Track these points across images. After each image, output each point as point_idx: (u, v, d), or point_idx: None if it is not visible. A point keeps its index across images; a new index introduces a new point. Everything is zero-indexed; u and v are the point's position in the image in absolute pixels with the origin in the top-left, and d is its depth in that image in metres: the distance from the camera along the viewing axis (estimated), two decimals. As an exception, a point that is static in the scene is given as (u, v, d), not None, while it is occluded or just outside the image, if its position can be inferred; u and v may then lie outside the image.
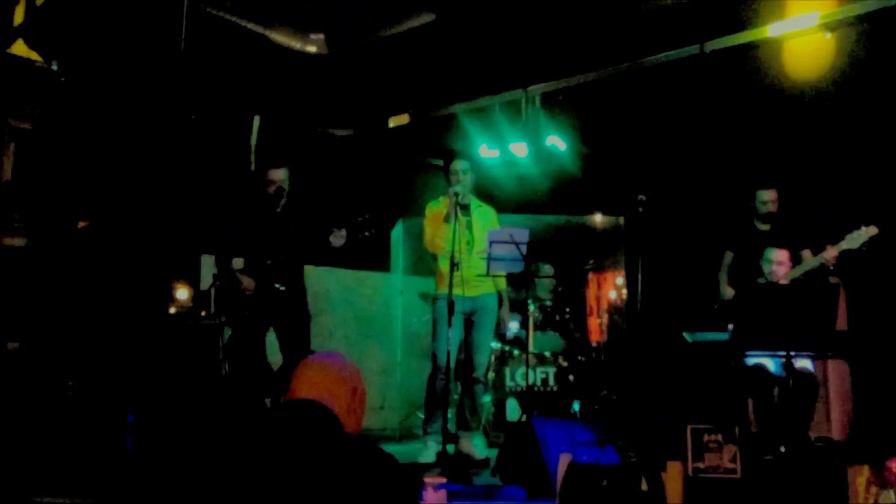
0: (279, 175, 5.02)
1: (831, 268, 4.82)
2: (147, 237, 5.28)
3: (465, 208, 5.26)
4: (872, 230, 4.68)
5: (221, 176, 6.07)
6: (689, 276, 5.93)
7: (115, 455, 3.78)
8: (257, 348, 4.94)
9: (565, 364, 6.26)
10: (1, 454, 3.66)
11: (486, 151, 7.20)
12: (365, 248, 5.13)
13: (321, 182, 6.07)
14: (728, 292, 5.34)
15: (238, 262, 4.90)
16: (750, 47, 5.82)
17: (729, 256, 5.43)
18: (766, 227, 5.32)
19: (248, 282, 4.83)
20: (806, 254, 5.14)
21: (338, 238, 4.85)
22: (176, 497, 1.76)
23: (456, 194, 5.10)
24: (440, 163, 6.21)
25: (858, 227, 4.70)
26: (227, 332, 4.86)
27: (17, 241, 4.89)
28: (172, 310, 4.85)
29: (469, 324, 5.29)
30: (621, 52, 6.23)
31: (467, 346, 5.31)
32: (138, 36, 5.46)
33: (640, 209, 5.04)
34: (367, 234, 4.91)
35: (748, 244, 5.26)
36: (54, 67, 5.19)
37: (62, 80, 5.19)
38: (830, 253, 4.77)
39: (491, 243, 4.95)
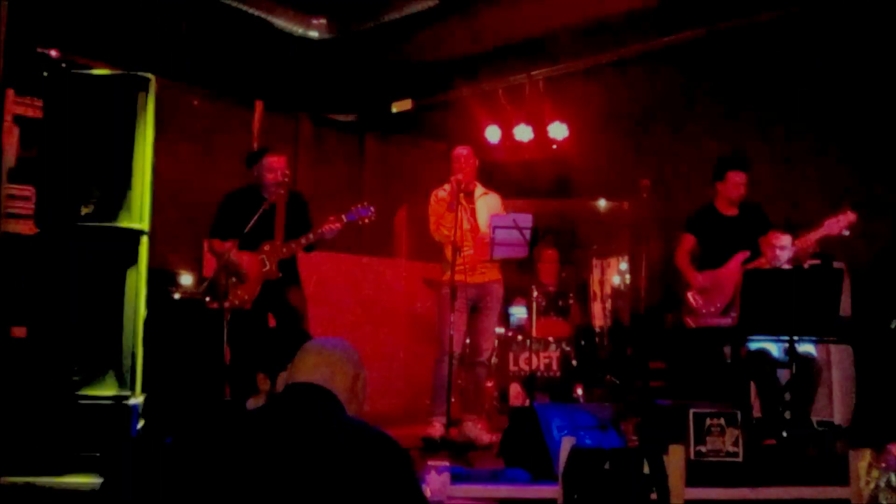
0: (280, 163, 4.99)
1: (811, 252, 4.69)
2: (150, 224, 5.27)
3: (470, 195, 5.23)
4: (851, 216, 4.54)
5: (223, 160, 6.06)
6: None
7: (119, 439, 3.81)
8: (258, 333, 4.93)
9: (568, 349, 6.27)
10: (6, 437, 3.69)
11: (490, 136, 7.18)
12: (368, 234, 5.12)
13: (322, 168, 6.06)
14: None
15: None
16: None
17: (690, 240, 5.13)
18: (731, 213, 5.03)
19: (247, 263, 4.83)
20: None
21: (332, 224, 4.81)
22: (178, 480, 1.77)
23: (459, 181, 5.08)
24: (444, 149, 6.20)
25: (836, 214, 4.56)
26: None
27: (22, 228, 4.89)
28: (176, 295, 4.86)
29: (474, 309, 5.29)
30: (626, 36, 6.20)
31: (472, 332, 5.32)
32: (142, 22, 5.45)
33: (644, 194, 5.02)
34: (366, 221, 4.89)
35: (713, 229, 5.03)
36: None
37: (64, 65, 5.18)
38: (808, 240, 4.64)
39: (494, 228, 4.94)
